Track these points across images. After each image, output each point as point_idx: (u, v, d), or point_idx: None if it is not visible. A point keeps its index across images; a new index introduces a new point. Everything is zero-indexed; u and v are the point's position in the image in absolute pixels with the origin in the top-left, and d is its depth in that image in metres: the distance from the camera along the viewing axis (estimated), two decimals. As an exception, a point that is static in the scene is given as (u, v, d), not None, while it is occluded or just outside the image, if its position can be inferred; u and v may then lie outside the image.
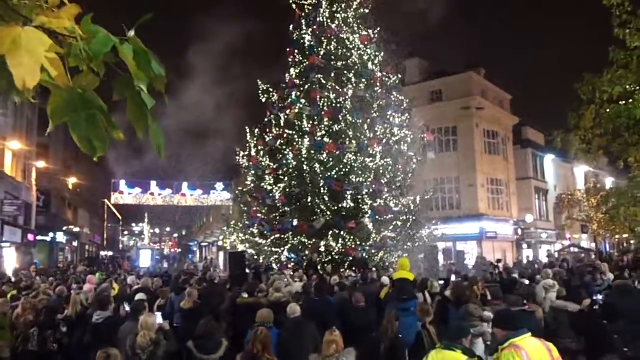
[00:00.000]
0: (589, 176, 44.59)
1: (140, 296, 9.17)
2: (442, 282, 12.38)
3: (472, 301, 8.20)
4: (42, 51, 1.38)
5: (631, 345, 6.73)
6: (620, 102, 12.76)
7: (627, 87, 12.52)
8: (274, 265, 19.02)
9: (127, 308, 8.57)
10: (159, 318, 7.32)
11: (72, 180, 40.87)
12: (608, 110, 12.98)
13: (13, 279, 17.27)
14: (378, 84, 20.12)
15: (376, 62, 20.38)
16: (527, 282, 13.09)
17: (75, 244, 46.77)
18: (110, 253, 61.33)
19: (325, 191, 18.03)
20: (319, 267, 16.43)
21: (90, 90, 1.57)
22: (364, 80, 19.81)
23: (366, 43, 20.41)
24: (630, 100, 12.56)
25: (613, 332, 6.68)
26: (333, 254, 17.79)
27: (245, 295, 9.74)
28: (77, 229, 45.60)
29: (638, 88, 12.51)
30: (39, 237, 33.78)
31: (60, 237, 39.06)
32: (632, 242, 41.42)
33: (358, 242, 17.95)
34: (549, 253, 35.59)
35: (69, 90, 1.50)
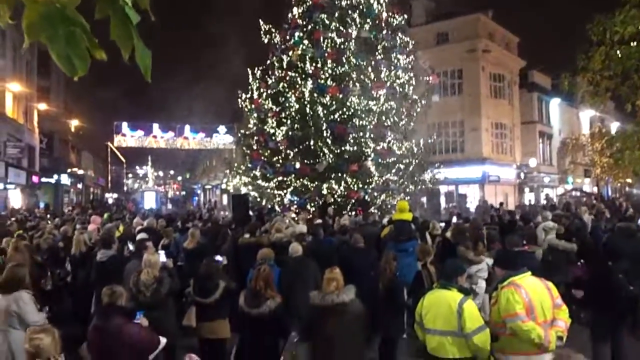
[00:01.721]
0: (594, 121, 44.24)
1: (141, 235, 9.26)
2: (443, 224, 12.48)
3: (464, 244, 8.34)
4: (13, -40, 1.28)
5: (636, 283, 6.86)
6: (632, 44, 12.45)
7: (640, 27, 12.19)
8: (277, 208, 19.14)
9: (131, 247, 8.69)
10: (162, 256, 7.43)
11: (74, 123, 40.73)
12: (618, 52, 12.68)
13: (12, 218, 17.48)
14: (383, 25, 19.59)
15: (381, 1, 19.78)
16: (521, 223, 13.27)
17: (79, 186, 47.10)
18: (115, 195, 61.83)
19: (328, 134, 17.89)
20: (331, 208, 16.37)
21: (70, 8, 1.46)
22: (368, 20, 19.28)
23: (371, -19, 19.75)
24: (642, 42, 12.26)
25: (618, 272, 6.78)
26: (335, 196, 17.85)
27: (247, 236, 9.84)
28: (81, 172, 45.80)
29: (651, 29, 12.18)
30: (43, 179, 33.99)
31: (65, 180, 39.28)
32: (634, 187, 41.57)
33: (360, 185, 17.98)
34: (547, 197, 35.83)
35: (46, 4, 1.40)
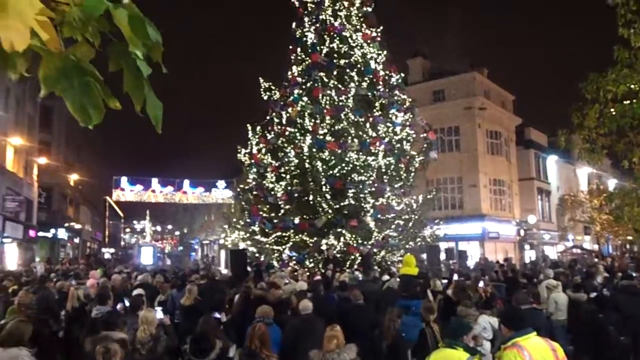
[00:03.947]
0: (592, 177, 44.52)
1: (138, 291, 9.10)
2: (444, 281, 12.34)
3: (463, 302, 8.17)
4: (31, 14, 1.31)
5: (626, 336, 6.84)
6: (625, 102, 12.63)
7: (632, 86, 12.40)
8: (275, 264, 18.94)
9: (127, 303, 8.52)
10: (159, 313, 7.27)
11: (73, 177, 40.87)
12: (612, 110, 12.84)
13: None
14: (380, 83, 20.00)
15: (379, 60, 20.27)
16: (525, 281, 13.18)
17: (76, 240, 46.75)
18: (112, 250, 61.33)
19: (327, 189, 17.92)
20: (338, 263, 16.24)
21: (85, 60, 1.50)
22: (366, 78, 19.70)
23: (369, 41, 20.31)
24: (635, 100, 12.44)
25: (608, 324, 6.79)
26: (335, 252, 17.70)
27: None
28: (78, 226, 45.58)
29: (643, 87, 12.39)
30: (40, 233, 33.78)
31: (62, 234, 39.04)
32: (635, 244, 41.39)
33: (360, 241, 17.86)
34: (544, 254, 35.59)
35: (62, 57, 1.43)
